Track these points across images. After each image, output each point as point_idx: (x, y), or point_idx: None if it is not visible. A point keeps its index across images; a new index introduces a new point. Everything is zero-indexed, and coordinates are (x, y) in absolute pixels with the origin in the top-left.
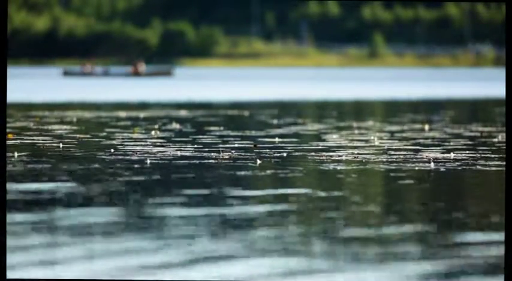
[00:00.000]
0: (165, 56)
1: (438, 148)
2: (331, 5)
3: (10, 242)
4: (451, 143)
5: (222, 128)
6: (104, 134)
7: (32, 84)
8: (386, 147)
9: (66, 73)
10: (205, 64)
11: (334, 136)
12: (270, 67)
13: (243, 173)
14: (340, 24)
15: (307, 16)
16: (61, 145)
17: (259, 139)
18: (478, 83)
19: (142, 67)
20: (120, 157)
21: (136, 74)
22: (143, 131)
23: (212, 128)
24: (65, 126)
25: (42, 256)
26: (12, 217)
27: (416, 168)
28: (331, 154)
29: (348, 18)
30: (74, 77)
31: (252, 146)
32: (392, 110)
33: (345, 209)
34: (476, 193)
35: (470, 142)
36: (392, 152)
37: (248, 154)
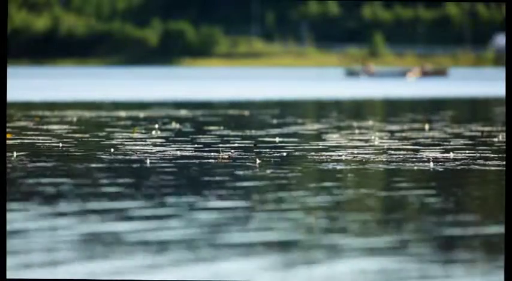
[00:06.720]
0: (165, 55)
1: (438, 148)
2: (331, 5)
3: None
4: (451, 143)
5: (222, 127)
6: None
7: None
8: (386, 147)
9: (350, 73)
10: (205, 64)
11: (334, 136)
12: (270, 67)
13: (242, 172)
14: (340, 24)
15: (307, 16)
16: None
17: (259, 139)
18: (478, 83)
19: (416, 71)
20: (121, 157)
21: (424, 74)
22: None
23: (212, 127)
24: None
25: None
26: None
27: (416, 168)
28: (331, 153)
29: (348, 18)
30: (356, 77)
31: (252, 145)
32: (392, 110)
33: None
34: (475, 192)
35: (470, 142)
36: (392, 152)
37: (248, 154)
